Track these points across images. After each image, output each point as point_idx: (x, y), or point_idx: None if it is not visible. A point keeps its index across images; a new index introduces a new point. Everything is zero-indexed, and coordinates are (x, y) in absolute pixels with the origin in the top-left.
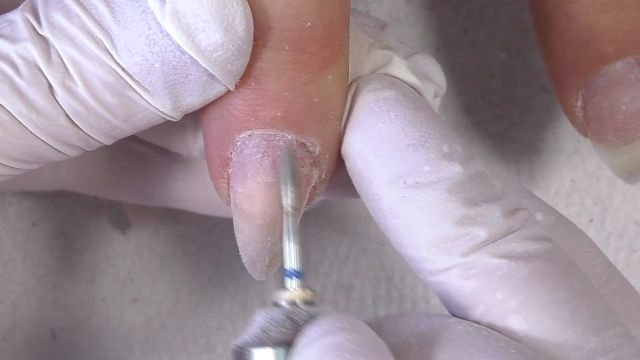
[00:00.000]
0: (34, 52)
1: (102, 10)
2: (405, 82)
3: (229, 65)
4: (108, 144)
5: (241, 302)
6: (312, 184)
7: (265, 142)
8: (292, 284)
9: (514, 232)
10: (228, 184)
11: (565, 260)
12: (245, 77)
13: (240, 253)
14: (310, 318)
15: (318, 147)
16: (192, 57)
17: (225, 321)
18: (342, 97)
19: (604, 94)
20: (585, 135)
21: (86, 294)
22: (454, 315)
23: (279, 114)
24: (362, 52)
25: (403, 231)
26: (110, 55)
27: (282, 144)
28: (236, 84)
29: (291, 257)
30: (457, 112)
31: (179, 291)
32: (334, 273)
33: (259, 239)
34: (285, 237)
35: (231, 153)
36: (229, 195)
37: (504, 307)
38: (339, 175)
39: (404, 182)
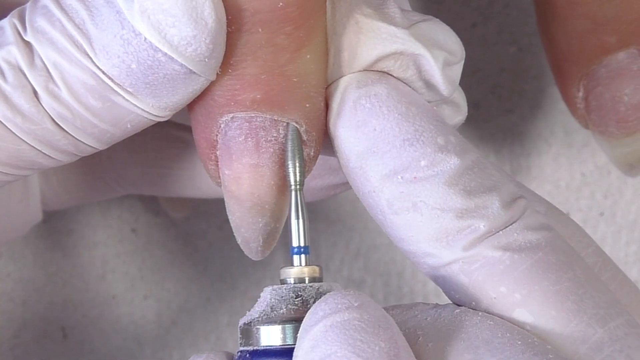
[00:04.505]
0: (17, 56)
1: (82, 13)
2: (408, 53)
3: (206, 60)
4: (101, 148)
5: (252, 298)
6: None
7: (247, 124)
8: (300, 260)
9: (514, 222)
10: (217, 165)
11: (567, 248)
12: (222, 65)
13: (234, 234)
14: (318, 295)
15: (303, 126)
16: (166, 54)
17: (236, 318)
18: (323, 74)
19: (606, 85)
20: (586, 127)
21: (97, 291)
22: None
23: (258, 96)
24: (360, 26)
25: (403, 227)
26: (90, 58)
27: (265, 124)
28: (217, 73)
29: (299, 234)
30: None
31: (189, 288)
32: (344, 269)
33: (249, 220)
34: (292, 214)
35: (216, 135)
36: (219, 177)
37: (508, 300)
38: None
39: (402, 178)
